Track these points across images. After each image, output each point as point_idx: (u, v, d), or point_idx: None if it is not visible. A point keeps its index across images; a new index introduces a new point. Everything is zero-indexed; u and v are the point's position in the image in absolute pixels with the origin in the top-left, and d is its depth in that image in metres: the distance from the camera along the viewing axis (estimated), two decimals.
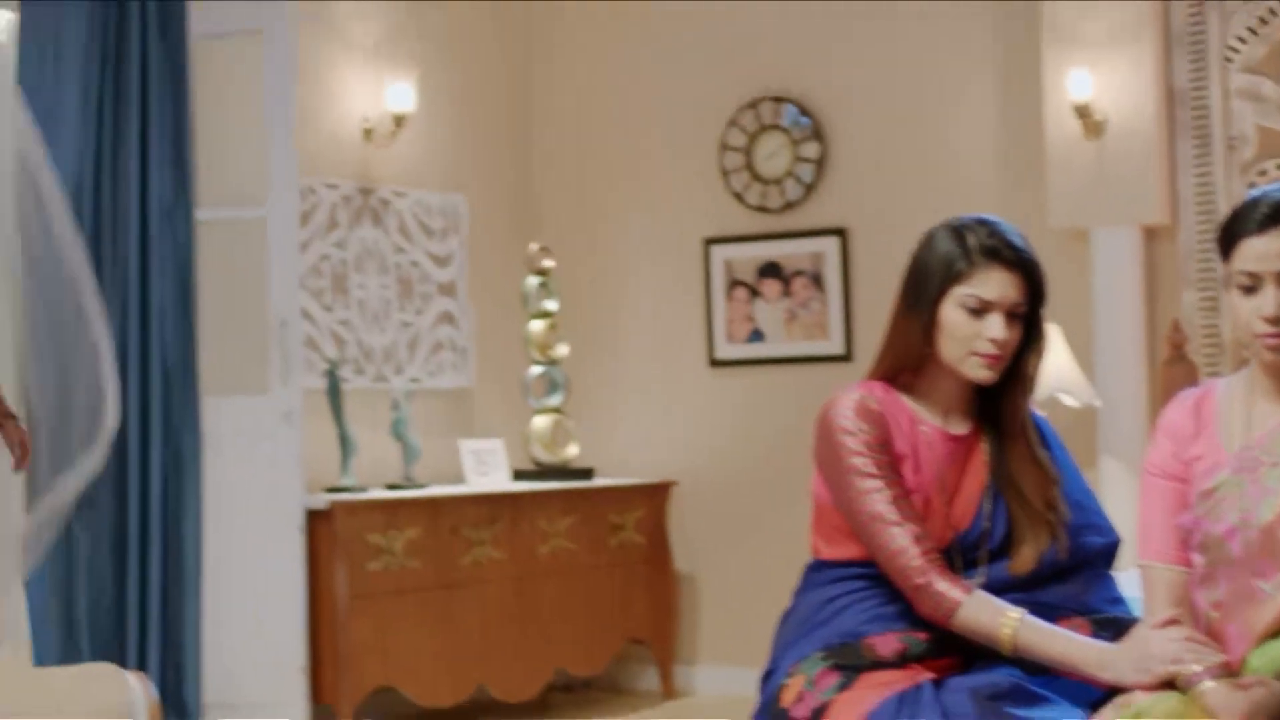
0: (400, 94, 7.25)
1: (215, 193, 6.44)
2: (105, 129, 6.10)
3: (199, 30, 6.43)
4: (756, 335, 7.65)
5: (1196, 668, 2.75)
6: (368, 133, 7.27)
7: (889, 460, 3.03)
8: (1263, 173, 6.45)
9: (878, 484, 3.00)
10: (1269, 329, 2.88)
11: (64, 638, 5.91)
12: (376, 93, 7.30)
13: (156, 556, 6.12)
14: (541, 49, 8.12)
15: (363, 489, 6.71)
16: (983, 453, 3.12)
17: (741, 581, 7.56)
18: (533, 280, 7.55)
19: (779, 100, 7.57)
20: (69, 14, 6.03)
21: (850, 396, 3.08)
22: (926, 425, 3.10)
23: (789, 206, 7.57)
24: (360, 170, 7.28)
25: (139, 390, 6.14)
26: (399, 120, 7.24)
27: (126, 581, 6.11)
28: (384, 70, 7.31)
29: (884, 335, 3.15)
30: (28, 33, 5.98)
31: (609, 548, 7.39)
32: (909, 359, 3.10)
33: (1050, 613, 2.97)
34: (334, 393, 6.70)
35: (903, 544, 2.96)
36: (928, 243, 3.09)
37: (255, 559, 6.31)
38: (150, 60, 6.22)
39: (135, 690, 3.83)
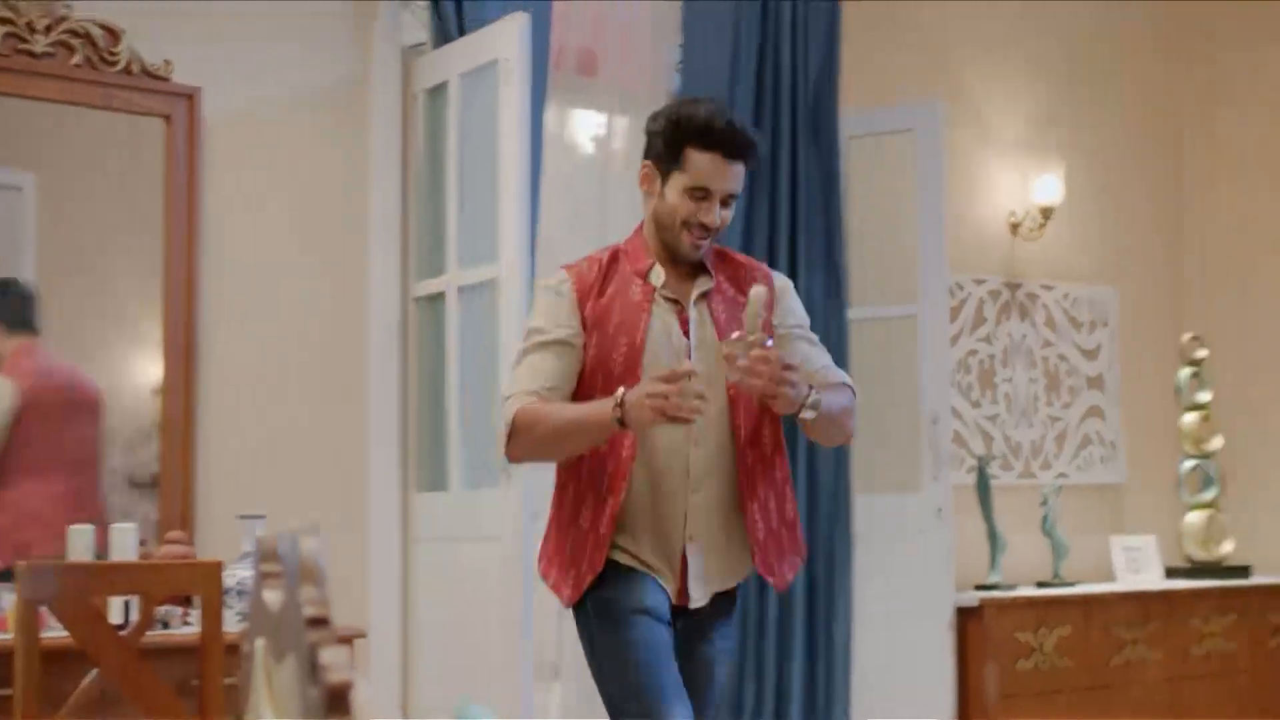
0: (1047, 187, 7.20)
1: (866, 291, 6.54)
2: (758, 232, 6.24)
3: (849, 132, 6.56)
4: None
5: None
6: (1014, 227, 7.26)
7: None
8: None
9: None
10: None
11: None
12: (1023, 186, 7.28)
13: (800, 651, 6.17)
14: (1194, 134, 7.90)
15: (1011, 586, 6.67)
16: None
17: None
18: (1185, 372, 7.36)
19: None
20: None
21: None
22: None
23: None
24: (1007, 265, 7.28)
25: (804, 490, 6.17)
26: (1046, 213, 7.20)
27: (764, 673, 6.12)
28: (1030, 164, 7.29)
29: None
30: None
31: (1269, 649, 7.10)
32: None
33: None
34: (983, 489, 6.69)
35: None
36: None
37: (905, 656, 6.33)
38: (801, 163, 6.35)
39: None
